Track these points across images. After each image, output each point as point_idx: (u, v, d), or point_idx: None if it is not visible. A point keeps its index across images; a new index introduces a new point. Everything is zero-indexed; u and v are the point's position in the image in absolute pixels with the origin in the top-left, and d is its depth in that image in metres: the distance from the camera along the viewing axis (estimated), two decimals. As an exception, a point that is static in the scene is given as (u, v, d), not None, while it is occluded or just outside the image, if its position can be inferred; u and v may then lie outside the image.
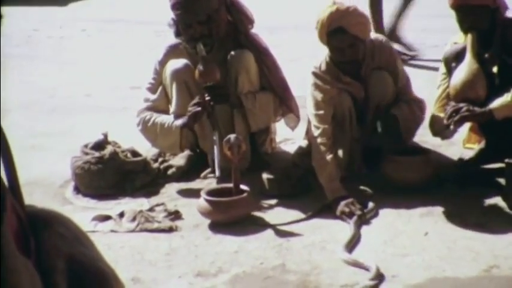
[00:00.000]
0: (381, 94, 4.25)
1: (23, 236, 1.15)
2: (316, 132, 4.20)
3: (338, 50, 4.17)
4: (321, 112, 4.23)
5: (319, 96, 4.26)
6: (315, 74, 4.31)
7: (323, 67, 4.30)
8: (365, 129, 4.34)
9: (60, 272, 1.16)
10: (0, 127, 1.15)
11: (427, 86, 4.67)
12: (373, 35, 4.45)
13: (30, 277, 1.07)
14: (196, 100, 4.30)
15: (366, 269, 3.30)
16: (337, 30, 4.10)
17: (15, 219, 1.13)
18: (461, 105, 3.81)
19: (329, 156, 4.10)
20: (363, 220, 3.82)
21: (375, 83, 4.26)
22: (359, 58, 4.22)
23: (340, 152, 4.32)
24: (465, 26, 3.99)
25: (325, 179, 4.07)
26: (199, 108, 4.26)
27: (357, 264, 3.36)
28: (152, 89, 4.57)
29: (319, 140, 4.17)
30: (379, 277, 3.22)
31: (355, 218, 3.79)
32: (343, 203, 3.90)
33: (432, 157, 4.29)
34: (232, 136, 4.00)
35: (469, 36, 3.94)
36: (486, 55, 3.97)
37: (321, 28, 4.15)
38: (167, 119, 4.44)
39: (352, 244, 3.57)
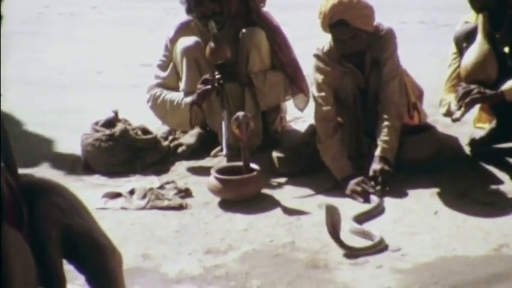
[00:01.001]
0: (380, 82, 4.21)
1: (15, 205, 1.14)
2: (318, 114, 4.20)
3: (340, 42, 4.13)
4: (323, 94, 4.21)
5: (320, 78, 4.24)
6: (317, 56, 4.28)
7: (326, 49, 4.27)
8: (367, 116, 4.32)
9: (54, 241, 1.16)
10: None
11: (438, 66, 4.64)
12: (380, 24, 4.33)
13: (21, 252, 1.07)
14: (205, 77, 4.29)
15: (371, 239, 3.33)
16: (339, 23, 4.05)
17: (8, 190, 1.13)
18: (472, 87, 3.79)
19: (333, 137, 4.10)
20: (382, 194, 3.83)
21: (375, 71, 4.21)
22: (362, 49, 4.18)
23: (347, 134, 4.32)
24: (476, 6, 3.96)
25: (330, 159, 4.08)
26: (208, 86, 4.26)
27: (363, 234, 3.40)
28: (163, 66, 4.57)
29: (321, 121, 4.18)
30: (382, 247, 3.30)
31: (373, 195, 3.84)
32: (353, 182, 3.90)
33: (435, 133, 4.26)
34: (240, 114, 4.00)
35: (481, 16, 3.91)
36: (497, 35, 3.95)
37: (323, 20, 4.09)
38: (177, 96, 4.44)
39: (366, 216, 3.63)
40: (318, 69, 4.25)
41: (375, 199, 3.81)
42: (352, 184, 3.90)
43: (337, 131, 4.16)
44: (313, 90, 4.30)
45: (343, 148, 4.13)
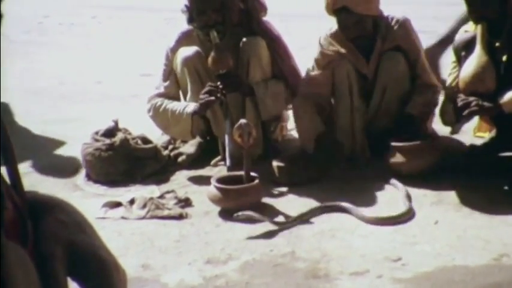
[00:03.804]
0: (392, 73, 4.25)
1: (20, 222, 1.14)
2: (301, 91, 4.37)
3: (344, 27, 4.21)
4: (316, 73, 4.30)
5: (319, 59, 4.39)
6: (322, 37, 4.42)
7: (333, 30, 4.37)
8: (371, 111, 4.34)
9: (58, 258, 1.16)
10: None
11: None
12: (394, 14, 4.40)
13: (24, 268, 1.07)
14: (207, 88, 4.29)
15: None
16: (342, 9, 4.13)
17: (11, 206, 1.13)
18: (470, 99, 3.78)
19: (307, 114, 4.29)
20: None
21: (386, 60, 4.26)
22: (366, 34, 4.23)
23: (341, 122, 4.38)
24: (475, 16, 3.96)
25: (301, 133, 4.31)
26: (212, 98, 4.26)
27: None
28: (163, 76, 4.58)
29: (300, 99, 4.36)
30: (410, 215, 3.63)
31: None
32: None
33: (437, 143, 4.28)
34: (243, 122, 3.99)
35: (479, 26, 3.91)
36: (497, 43, 3.95)
37: (327, 6, 4.22)
38: (178, 106, 4.44)
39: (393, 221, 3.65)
40: (319, 52, 4.41)
41: (400, 190, 3.89)
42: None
43: (314, 112, 4.31)
44: (307, 71, 4.45)
45: (317, 125, 4.32)
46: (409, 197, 3.85)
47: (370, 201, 3.90)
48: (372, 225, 3.62)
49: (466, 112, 3.77)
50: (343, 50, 4.30)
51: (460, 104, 3.80)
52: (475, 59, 3.85)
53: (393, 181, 3.99)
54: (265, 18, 4.59)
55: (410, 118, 4.21)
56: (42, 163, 4.68)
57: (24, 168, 4.41)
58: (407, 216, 3.66)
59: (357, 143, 4.35)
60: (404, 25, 4.35)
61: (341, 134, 4.36)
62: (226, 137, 4.24)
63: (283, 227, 3.63)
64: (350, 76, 4.28)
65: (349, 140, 4.32)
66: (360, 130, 4.35)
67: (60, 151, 4.90)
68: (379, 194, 4.00)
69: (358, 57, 4.31)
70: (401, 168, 4.08)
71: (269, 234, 3.60)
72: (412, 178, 4.05)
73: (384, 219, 3.64)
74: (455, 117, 3.84)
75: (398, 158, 4.10)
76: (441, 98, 4.30)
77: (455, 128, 4.07)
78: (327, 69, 4.30)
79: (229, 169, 4.23)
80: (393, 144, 4.12)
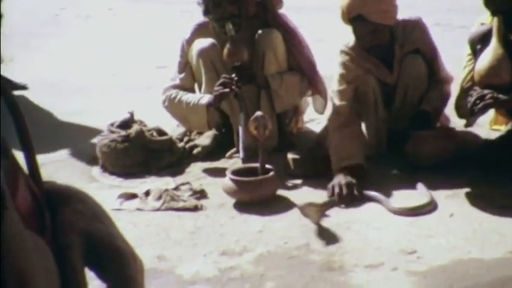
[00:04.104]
0: (413, 77, 4.23)
1: (38, 212, 1.15)
2: (332, 107, 4.27)
3: (360, 37, 4.17)
4: (341, 88, 4.25)
5: (343, 73, 4.29)
6: (343, 51, 4.32)
7: (351, 44, 4.30)
8: (392, 114, 4.33)
9: (76, 248, 1.17)
10: (15, 103, 1.15)
11: (453, 68, 4.63)
12: (407, 16, 4.37)
13: (42, 255, 1.08)
14: (222, 80, 4.30)
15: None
16: (357, 18, 4.08)
17: (29, 196, 1.14)
18: (485, 92, 3.77)
19: (338, 130, 4.13)
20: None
21: (407, 65, 4.24)
22: (384, 43, 4.20)
23: (366, 133, 4.34)
24: (492, 8, 3.94)
25: (332, 150, 4.09)
26: (227, 90, 4.26)
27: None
28: (179, 68, 4.58)
29: (333, 114, 4.25)
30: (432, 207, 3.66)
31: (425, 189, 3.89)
32: (341, 181, 3.88)
33: (453, 132, 4.27)
34: (258, 114, 3.99)
35: (495, 19, 3.89)
36: None
37: (342, 15, 4.16)
38: (193, 98, 4.45)
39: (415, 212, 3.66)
40: (342, 65, 4.31)
41: (423, 191, 3.85)
42: (338, 180, 3.90)
43: (349, 125, 4.17)
44: (334, 85, 4.33)
45: (349, 143, 4.10)
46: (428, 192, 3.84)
47: (388, 194, 3.89)
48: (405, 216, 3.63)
49: (481, 105, 3.75)
50: (366, 64, 4.27)
51: (475, 96, 3.78)
52: (491, 52, 3.83)
53: (419, 185, 3.95)
54: (281, 11, 4.59)
55: (424, 114, 4.20)
56: (59, 154, 4.70)
57: (41, 159, 4.43)
58: (430, 206, 3.70)
59: (382, 149, 4.33)
60: (419, 26, 4.32)
61: (368, 146, 4.30)
62: (241, 129, 4.24)
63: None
64: (375, 90, 4.27)
65: (373, 151, 4.29)
66: (383, 138, 4.34)
67: (76, 142, 4.92)
68: (396, 187, 3.98)
69: (381, 68, 4.28)
70: (420, 155, 4.06)
71: (284, 227, 3.60)
72: (427, 170, 4.04)
73: (412, 209, 3.66)
74: (470, 110, 3.82)
75: (416, 146, 4.09)
76: (455, 90, 4.29)
77: (470, 120, 4.05)
78: (352, 84, 4.26)
79: (244, 161, 4.23)
80: (411, 132, 4.12)
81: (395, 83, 4.31)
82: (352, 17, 4.10)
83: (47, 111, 5.65)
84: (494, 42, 3.84)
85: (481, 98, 3.76)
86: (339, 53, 4.33)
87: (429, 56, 4.31)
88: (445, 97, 4.33)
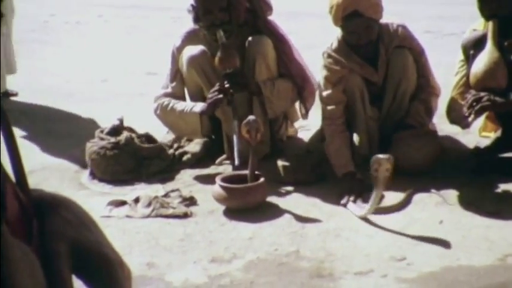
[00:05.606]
0: (401, 66, 4.24)
1: (25, 220, 1.15)
2: (324, 113, 4.30)
3: (354, 34, 4.17)
4: (329, 92, 4.26)
5: (328, 76, 4.30)
6: (326, 54, 4.33)
7: (334, 45, 4.31)
8: (382, 113, 4.34)
9: (63, 256, 1.16)
10: (3, 112, 1.15)
11: (444, 75, 4.64)
12: (389, 19, 4.39)
13: (29, 264, 1.07)
14: (216, 87, 4.29)
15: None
16: (353, 14, 4.08)
17: (17, 204, 1.13)
18: (482, 94, 3.77)
19: (336, 135, 4.20)
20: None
21: (395, 58, 4.25)
22: (373, 40, 4.21)
23: (356, 134, 4.34)
24: (487, 13, 3.95)
25: (333, 155, 4.16)
26: (220, 96, 4.25)
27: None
28: (170, 76, 4.58)
29: (326, 120, 4.28)
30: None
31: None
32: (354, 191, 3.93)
33: (437, 137, 4.32)
34: (251, 118, 3.99)
35: (490, 23, 3.89)
36: (506, 43, 3.94)
37: (335, 13, 4.12)
38: (186, 106, 4.45)
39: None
40: (326, 68, 4.32)
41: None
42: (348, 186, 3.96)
43: (343, 130, 4.21)
44: (320, 89, 4.33)
45: (347, 146, 4.20)
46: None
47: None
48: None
49: (478, 106, 3.75)
50: (350, 64, 4.27)
51: (471, 99, 3.78)
52: (487, 55, 3.84)
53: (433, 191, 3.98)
54: (271, 18, 4.59)
55: (410, 127, 4.24)
56: (47, 161, 4.69)
57: (29, 166, 4.43)
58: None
59: (373, 148, 4.33)
60: (403, 27, 4.35)
61: (358, 145, 4.31)
62: (235, 137, 4.23)
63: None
64: (361, 89, 4.28)
65: (366, 149, 4.30)
66: (375, 135, 4.35)
67: (65, 149, 4.91)
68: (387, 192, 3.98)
69: (365, 67, 4.29)
70: (403, 160, 4.02)
71: (273, 233, 3.60)
72: (416, 177, 4.04)
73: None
74: (467, 112, 3.81)
75: (399, 149, 4.08)
76: (443, 101, 4.29)
77: (465, 122, 4.06)
78: (338, 85, 4.27)
79: (237, 168, 4.22)
80: (394, 135, 4.20)
81: (381, 82, 4.31)
82: (347, 13, 4.09)
83: (35, 118, 5.64)
84: (489, 46, 3.85)
85: (478, 100, 3.76)
86: (322, 55, 4.34)
87: (416, 54, 4.32)
88: (431, 111, 4.35)
